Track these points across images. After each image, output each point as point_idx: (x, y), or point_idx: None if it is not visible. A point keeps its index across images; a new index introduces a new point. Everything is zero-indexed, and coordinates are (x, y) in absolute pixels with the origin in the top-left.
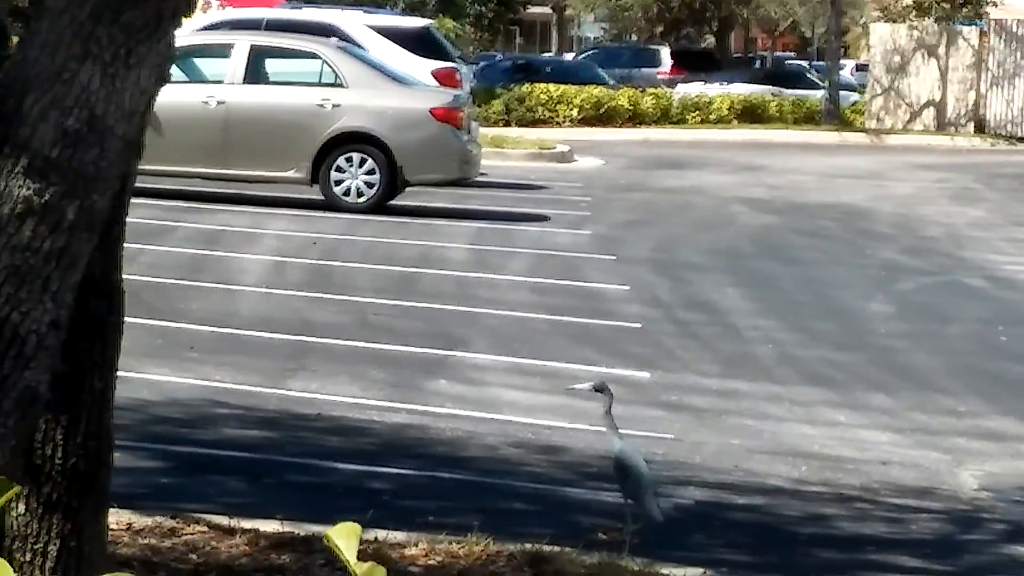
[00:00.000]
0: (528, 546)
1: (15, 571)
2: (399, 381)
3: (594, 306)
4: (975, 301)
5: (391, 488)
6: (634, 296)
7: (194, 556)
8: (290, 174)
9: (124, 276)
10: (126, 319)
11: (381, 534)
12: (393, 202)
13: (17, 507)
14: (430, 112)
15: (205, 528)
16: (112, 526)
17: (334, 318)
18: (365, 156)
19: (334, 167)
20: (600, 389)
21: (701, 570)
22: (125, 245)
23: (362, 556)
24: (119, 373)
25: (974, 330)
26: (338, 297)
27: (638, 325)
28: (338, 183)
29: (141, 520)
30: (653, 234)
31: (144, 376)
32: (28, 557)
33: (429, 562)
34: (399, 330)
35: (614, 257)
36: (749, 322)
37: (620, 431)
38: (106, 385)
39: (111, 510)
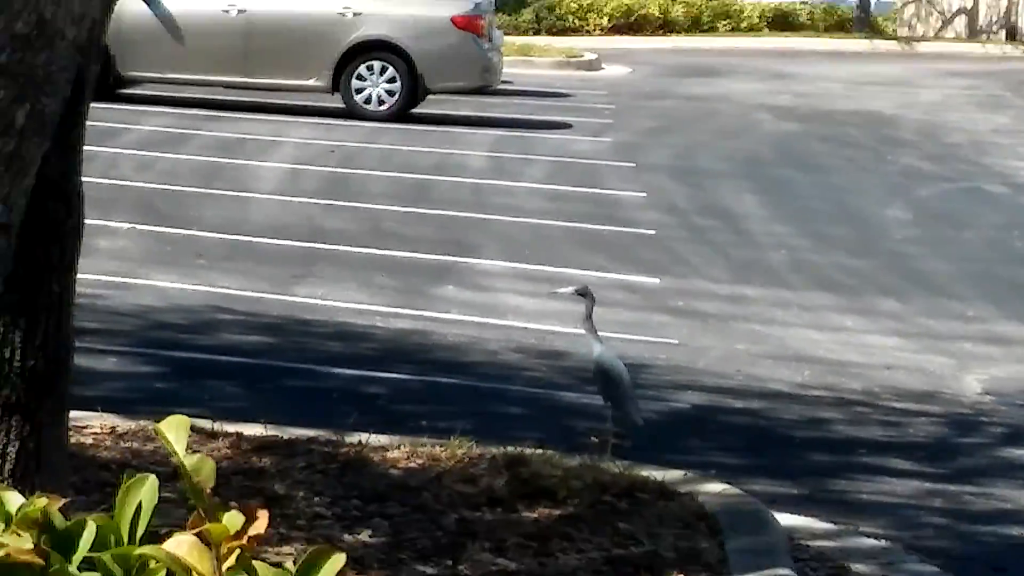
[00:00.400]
0: (509, 449)
1: None
2: (406, 287)
3: (609, 213)
4: (993, 207)
5: (386, 393)
6: (650, 203)
7: (176, 459)
8: (311, 82)
9: (138, 184)
10: (137, 226)
11: (366, 437)
12: (415, 110)
13: None
14: (451, 20)
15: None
16: (96, 430)
17: (346, 225)
18: (386, 64)
19: (355, 75)
20: (583, 293)
21: (681, 472)
22: (141, 153)
23: (344, 458)
24: (123, 280)
25: (990, 236)
26: (352, 204)
27: (652, 232)
28: (359, 91)
29: (125, 424)
30: (674, 141)
31: (150, 283)
32: None
33: (410, 464)
34: (410, 237)
35: (633, 164)
36: (764, 228)
37: (601, 335)
38: (64, 288)
39: (96, 414)
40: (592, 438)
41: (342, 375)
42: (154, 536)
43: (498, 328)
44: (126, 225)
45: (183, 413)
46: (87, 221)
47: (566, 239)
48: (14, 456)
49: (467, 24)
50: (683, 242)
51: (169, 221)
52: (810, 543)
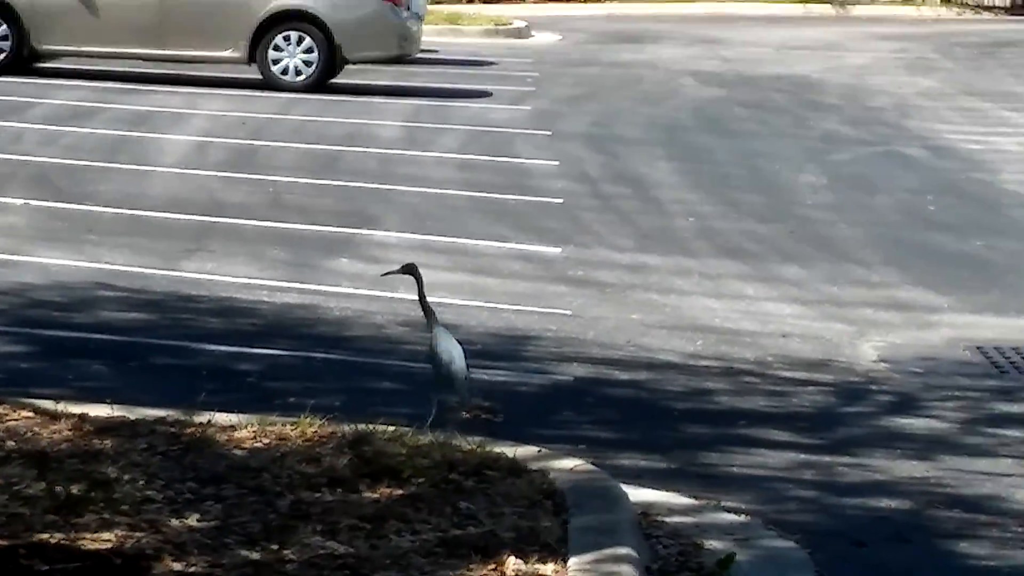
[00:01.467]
0: (360, 427)
1: None
2: (299, 260)
3: (519, 182)
4: (910, 171)
5: (258, 369)
6: (562, 172)
7: (12, 443)
8: (227, 54)
9: (39, 158)
10: (32, 202)
11: (216, 416)
12: (334, 80)
13: None
14: None
15: (31, 413)
16: None
17: (246, 198)
18: (303, 34)
19: (272, 46)
20: (409, 271)
21: (536, 448)
22: (47, 128)
23: (188, 439)
24: (6, 257)
25: (903, 200)
26: (255, 177)
27: (560, 201)
28: (276, 62)
29: None
30: (594, 109)
31: (34, 259)
32: None
33: (255, 444)
34: (311, 209)
35: (549, 133)
36: (674, 196)
37: (436, 315)
38: None
39: None
40: (464, 414)
41: (215, 352)
42: None
43: (387, 301)
44: (20, 201)
45: (42, 394)
46: None
47: (471, 209)
48: None
49: None
50: (590, 211)
51: (65, 196)
52: (667, 519)
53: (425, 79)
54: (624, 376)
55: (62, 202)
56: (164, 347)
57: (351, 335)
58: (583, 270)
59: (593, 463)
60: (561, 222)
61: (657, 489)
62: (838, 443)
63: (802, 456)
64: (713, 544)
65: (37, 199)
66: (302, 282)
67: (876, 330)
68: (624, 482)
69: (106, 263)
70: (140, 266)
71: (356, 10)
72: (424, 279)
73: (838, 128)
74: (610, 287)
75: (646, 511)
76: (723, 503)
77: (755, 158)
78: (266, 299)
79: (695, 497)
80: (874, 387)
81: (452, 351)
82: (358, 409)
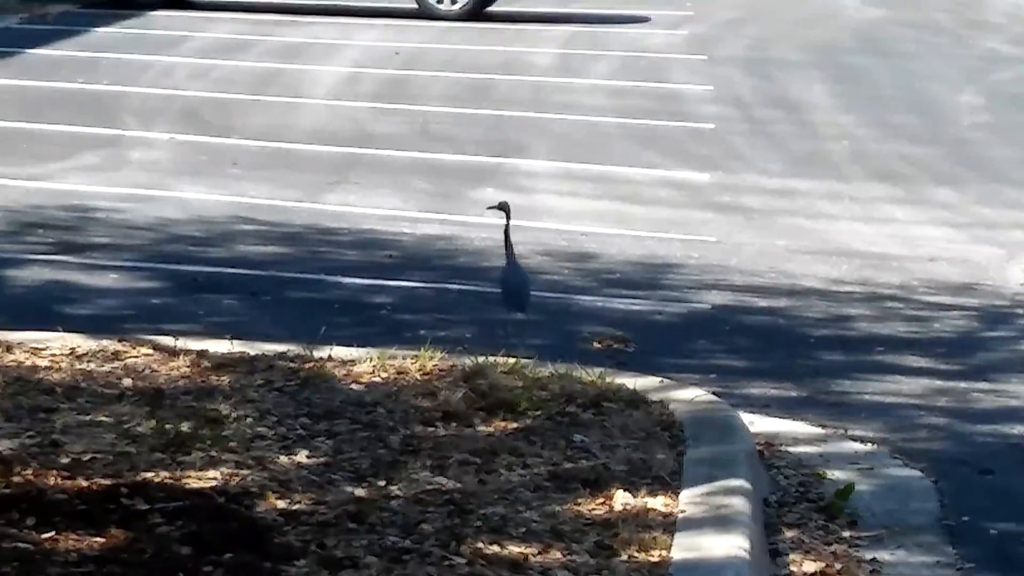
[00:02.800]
0: (480, 360)
1: None
2: (443, 191)
3: (671, 108)
4: None
5: (392, 302)
6: (715, 96)
7: (128, 380)
8: None
9: (188, 92)
10: (177, 136)
11: (336, 350)
12: (491, 8)
13: None
14: None
15: (151, 350)
16: (55, 352)
17: (395, 129)
18: None
19: None
20: (502, 208)
21: (657, 379)
22: (199, 61)
23: (306, 374)
24: (148, 192)
25: None
26: (405, 107)
27: (711, 126)
28: None
29: (87, 344)
30: (753, 32)
31: (175, 194)
32: None
33: (373, 378)
34: (459, 139)
35: (705, 57)
36: (828, 119)
37: (515, 251)
38: None
39: (57, 334)
40: (595, 344)
41: (350, 285)
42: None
43: (529, 231)
44: (166, 136)
45: (171, 330)
46: (129, 133)
47: (621, 136)
48: None
49: None
50: (742, 136)
51: (211, 130)
52: (791, 449)
53: (582, 5)
54: (763, 303)
55: (208, 136)
56: (299, 281)
57: (489, 266)
58: (731, 196)
59: (720, 393)
60: (711, 147)
61: (784, 418)
62: (976, 369)
63: (937, 383)
64: (836, 474)
65: (183, 133)
66: (446, 213)
67: None
68: (750, 412)
69: (248, 196)
70: (282, 199)
71: None
72: (566, 208)
73: (999, 47)
74: (757, 213)
75: (770, 441)
76: (851, 432)
77: (913, 79)
78: (407, 231)
79: (822, 426)
80: (1020, 311)
81: (522, 283)
82: (488, 341)
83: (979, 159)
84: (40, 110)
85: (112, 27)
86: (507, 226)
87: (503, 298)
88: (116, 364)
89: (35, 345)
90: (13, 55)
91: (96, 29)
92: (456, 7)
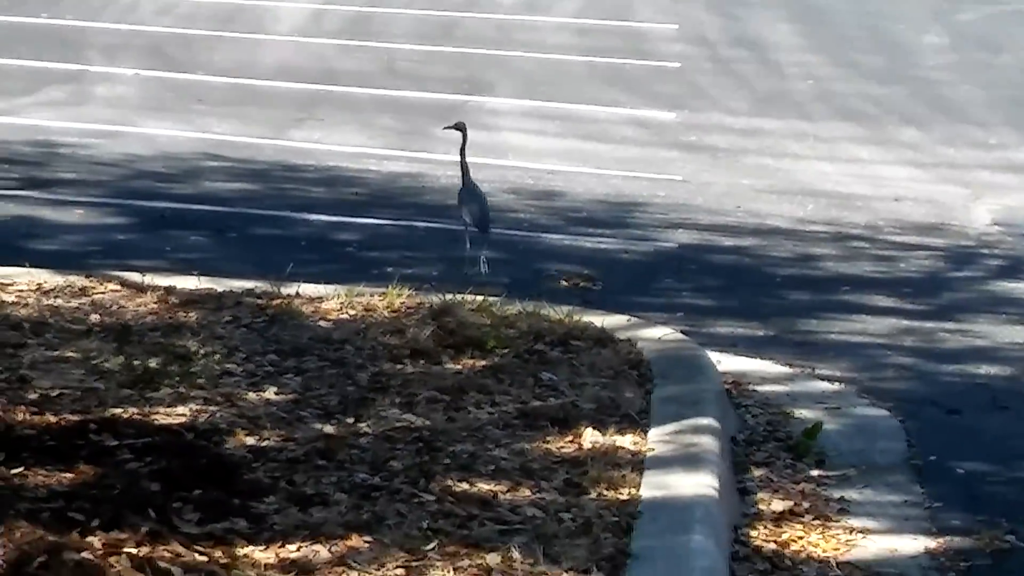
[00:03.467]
0: (448, 297)
1: None
2: (409, 129)
3: (637, 46)
4: None
5: (358, 239)
6: (681, 35)
7: (96, 316)
8: None
9: (153, 28)
10: (141, 72)
11: (304, 287)
12: None
13: None
14: None
15: (118, 286)
16: (22, 287)
17: (360, 66)
18: None
19: None
20: (458, 128)
21: (625, 317)
22: None
23: (274, 311)
24: (114, 128)
25: None
26: (371, 44)
27: (677, 64)
28: None
29: (55, 280)
30: None
31: (141, 130)
32: None
33: (341, 316)
34: (424, 76)
35: None
36: (793, 58)
37: (470, 173)
38: None
39: (24, 270)
40: (562, 281)
41: (316, 221)
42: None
43: (495, 168)
44: (131, 71)
45: (138, 266)
46: (94, 69)
47: (587, 75)
48: None
49: None
50: (707, 74)
51: (176, 66)
52: (758, 388)
53: None
54: (729, 242)
55: (173, 72)
56: (265, 217)
57: (456, 203)
58: (696, 135)
59: (687, 332)
60: (677, 86)
61: (751, 358)
62: (942, 309)
63: (904, 322)
64: (803, 413)
65: (148, 69)
66: (411, 151)
67: (992, 192)
68: (717, 351)
69: (214, 133)
70: (248, 136)
71: None
72: (532, 147)
73: None
74: (723, 152)
75: (738, 380)
76: (818, 371)
77: (879, 19)
78: (373, 168)
79: (789, 365)
80: (985, 251)
81: (479, 195)
82: (455, 279)
83: (943, 99)
84: (3, 44)
85: None
86: (463, 146)
87: (462, 214)
88: (83, 300)
89: (1, 280)
90: None
91: None
92: None
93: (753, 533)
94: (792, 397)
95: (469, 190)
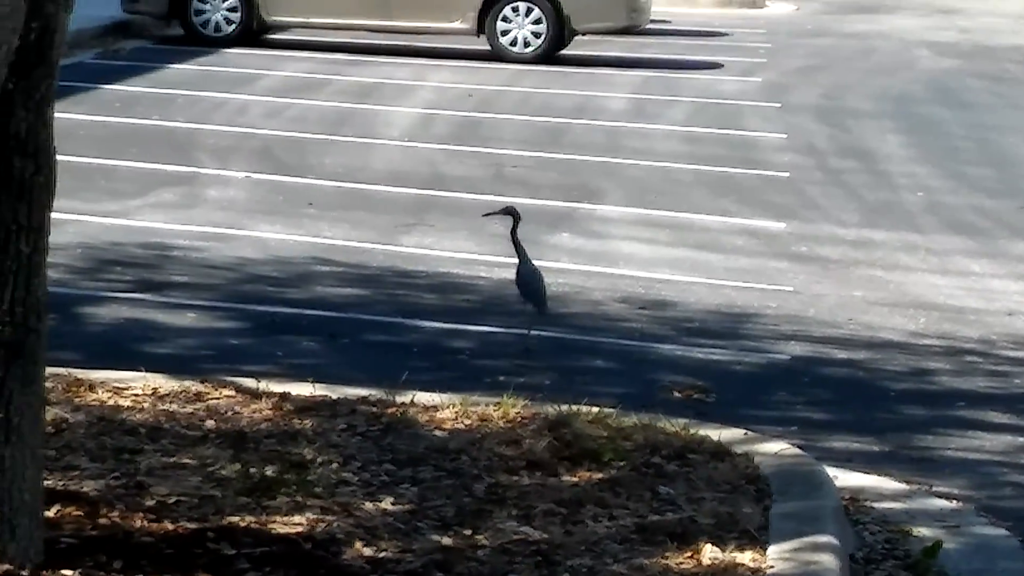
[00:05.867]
0: (563, 408)
1: None
2: (520, 236)
3: (746, 155)
4: None
5: (471, 347)
6: (790, 144)
7: (211, 422)
8: (455, 25)
9: (263, 131)
10: (253, 175)
11: (419, 396)
12: (564, 52)
13: None
14: None
15: (233, 392)
16: (137, 392)
17: (469, 172)
18: (531, 5)
19: (500, 17)
20: (508, 212)
21: (742, 431)
22: (273, 100)
23: (389, 419)
24: (225, 231)
25: None
26: (480, 150)
27: (787, 174)
28: (504, 33)
29: (170, 385)
30: (826, 81)
31: (252, 234)
32: None
33: (456, 425)
34: (534, 182)
35: (779, 105)
36: (903, 169)
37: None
38: (35, 248)
39: (140, 375)
40: (675, 392)
41: (428, 328)
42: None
43: (606, 277)
44: (241, 174)
45: (251, 371)
46: (205, 171)
47: (696, 183)
48: None
49: None
50: (817, 185)
51: (286, 169)
52: (875, 504)
53: (655, 50)
54: (842, 355)
55: (283, 175)
56: (377, 323)
57: (567, 311)
58: (807, 245)
59: (802, 446)
60: (786, 196)
61: (868, 473)
62: None
63: (1020, 440)
64: (922, 531)
65: (259, 172)
66: None
67: None
68: (833, 466)
69: (324, 237)
70: (358, 240)
71: None
72: (643, 255)
73: None
74: (834, 263)
75: (855, 496)
76: (935, 488)
77: (987, 131)
78: (483, 274)
79: (906, 482)
80: None
81: (538, 277)
82: (568, 388)
83: None
84: (116, 146)
85: (186, 64)
86: (514, 228)
87: (521, 293)
88: (198, 405)
89: (117, 384)
90: (88, 91)
91: (170, 66)
92: (529, 50)
93: None
94: (910, 514)
95: (527, 268)
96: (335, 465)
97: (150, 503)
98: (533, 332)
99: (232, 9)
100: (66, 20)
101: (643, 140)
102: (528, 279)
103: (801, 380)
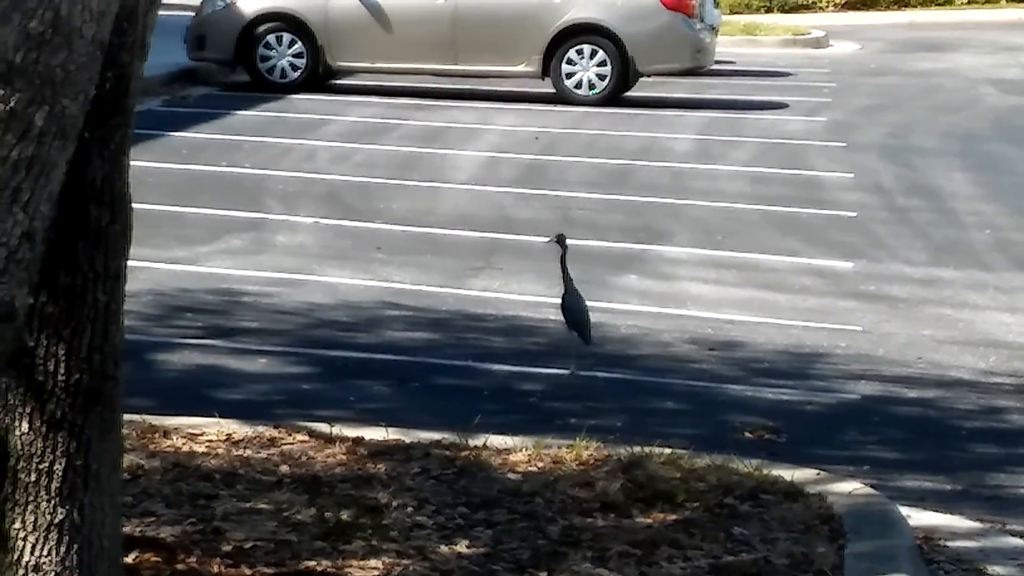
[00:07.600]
0: (636, 450)
1: (20, 492)
2: (588, 277)
3: (812, 195)
4: None
5: (541, 389)
6: (856, 184)
7: (285, 467)
8: (520, 68)
9: (331, 176)
10: (321, 220)
11: (491, 439)
12: (628, 93)
13: (20, 426)
14: (660, 1)
15: (306, 437)
16: (211, 438)
17: (536, 214)
18: (596, 48)
19: (565, 59)
20: (558, 241)
21: (815, 471)
22: (340, 144)
23: (462, 462)
24: (294, 276)
25: None
26: (546, 192)
27: (853, 214)
28: (569, 76)
29: (243, 430)
30: (891, 119)
31: (321, 279)
32: (33, 477)
33: (529, 468)
34: (601, 225)
35: (844, 144)
36: (970, 207)
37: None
38: (112, 297)
39: (214, 420)
40: (746, 433)
41: (498, 371)
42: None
43: (674, 318)
44: (310, 219)
45: (323, 416)
46: (273, 217)
47: (763, 223)
48: (61, 474)
49: (677, 5)
50: (884, 224)
51: (354, 214)
52: (949, 543)
53: (720, 91)
54: (912, 394)
55: (351, 220)
56: (447, 367)
57: (636, 353)
58: (875, 285)
59: (875, 485)
60: (853, 235)
61: (941, 512)
62: None
63: None
64: (996, 570)
65: (327, 217)
66: (589, 299)
67: None
68: (906, 505)
69: (393, 281)
70: (427, 284)
71: (649, 22)
72: (710, 296)
73: None
74: (902, 302)
75: (928, 535)
76: (1009, 526)
77: None
78: (552, 317)
79: (980, 520)
80: None
81: (582, 307)
82: (639, 430)
83: None
84: (183, 193)
85: (252, 110)
86: (563, 255)
87: (566, 323)
88: (272, 450)
89: (191, 430)
90: (156, 138)
91: (237, 112)
92: (594, 92)
93: None
94: (984, 553)
95: (572, 298)
96: (410, 509)
97: (227, 548)
98: (600, 375)
99: (298, 55)
100: (140, 69)
101: (709, 181)
102: (572, 307)
103: (872, 419)
